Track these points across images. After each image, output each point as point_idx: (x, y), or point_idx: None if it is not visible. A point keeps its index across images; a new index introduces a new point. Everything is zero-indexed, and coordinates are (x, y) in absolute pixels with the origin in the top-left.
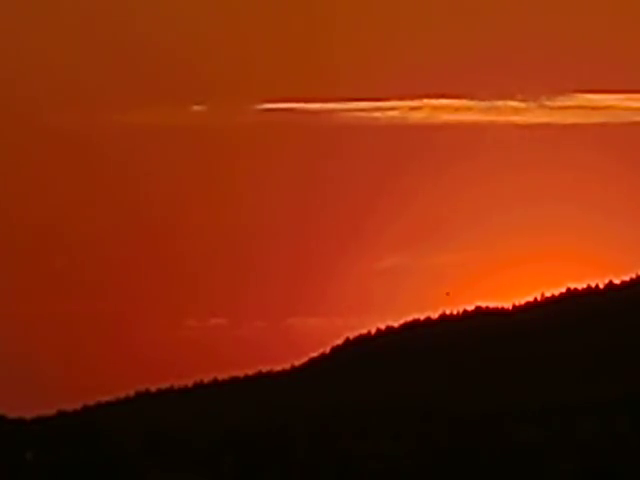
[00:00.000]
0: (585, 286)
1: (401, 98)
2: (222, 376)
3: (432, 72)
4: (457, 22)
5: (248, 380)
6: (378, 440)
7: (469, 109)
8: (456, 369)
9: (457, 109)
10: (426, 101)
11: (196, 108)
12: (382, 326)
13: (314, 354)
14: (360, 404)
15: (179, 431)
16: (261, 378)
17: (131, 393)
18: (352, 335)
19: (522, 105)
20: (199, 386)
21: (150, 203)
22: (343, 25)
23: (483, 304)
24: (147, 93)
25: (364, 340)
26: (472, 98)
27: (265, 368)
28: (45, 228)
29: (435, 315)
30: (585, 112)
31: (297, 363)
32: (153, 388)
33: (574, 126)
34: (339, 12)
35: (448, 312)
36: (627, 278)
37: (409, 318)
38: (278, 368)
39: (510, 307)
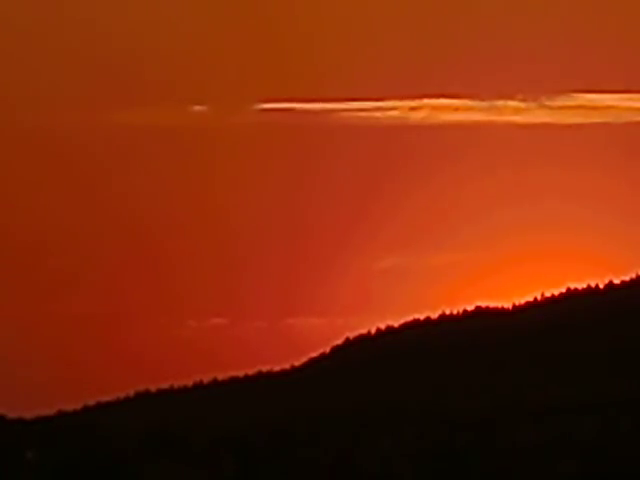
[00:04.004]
0: (585, 286)
1: (401, 98)
2: (222, 376)
3: (432, 72)
4: (457, 22)
5: (248, 380)
6: (377, 440)
7: (469, 109)
8: (456, 369)
9: (457, 109)
10: (426, 101)
11: (196, 108)
12: (382, 326)
13: (314, 354)
14: (360, 404)
15: (179, 431)
16: (261, 378)
17: (131, 393)
18: (352, 335)
19: (522, 105)
20: (199, 386)
21: (150, 203)
22: (343, 25)
23: (483, 304)
24: (147, 93)
25: (364, 340)
26: (472, 98)
27: (265, 368)
28: (45, 228)
29: (435, 315)
30: (585, 112)
31: (297, 363)
32: (153, 388)
33: (574, 126)
34: (339, 12)
35: (448, 312)
36: (627, 278)
37: (409, 318)
38: (278, 368)
39: (510, 307)
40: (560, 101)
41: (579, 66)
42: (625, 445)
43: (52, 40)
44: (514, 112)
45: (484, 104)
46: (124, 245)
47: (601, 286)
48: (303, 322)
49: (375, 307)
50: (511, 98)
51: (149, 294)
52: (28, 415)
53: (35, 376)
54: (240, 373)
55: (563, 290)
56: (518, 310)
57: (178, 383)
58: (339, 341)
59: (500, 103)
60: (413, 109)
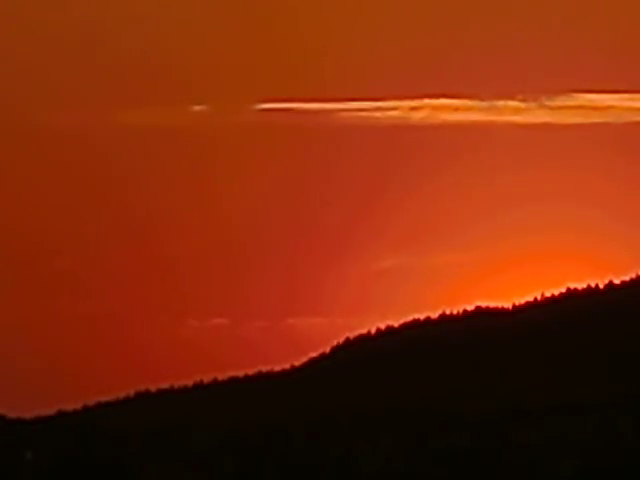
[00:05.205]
0: (585, 286)
1: (401, 98)
2: (222, 376)
3: (432, 72)
4: (457, 22)
5: (248, 380)
6: (378, 440)
7: (469, 109)
8: (456, 369)
9: (457, 109)
10: (426, 101)
11: (196, 108)
12: (382, 326)
13: (314, 354)
14: (360, 404)
15: (179, 431)
16: (261, 378)
17: (131, 393)
18: (352, 335)
19: (522, 105)
20: (199, 386)
21: (150, 203)
22: (343, 25)
23: (483, 304)
24: (147, 93)
25: (364, 340)
26: (472, 98)
27: (265, 368)
28: (46, 228)
29: (435, 315)
30: (585, 112)
31: (297, 363)
32: (153, 388)
33: (574, 126)
34: (339, 12)
35: (448, 312)
36: (627, 278)
37: (409, 318)
38: (278, 368)
39: (510, 307)
40: (560, 101)
41: (579, 66)
42: (625, 445)
43: (53, 41)
44: (514, 112)
45: (484, 104)
46: (124, 245)
47: (601, 286)
48: (304, 322)
49: (375, 307)
50: (511, 98)
51: (150, 294)
52: (28, 415)
53: (35, 376)
54: (240, 373)
55: (563, 290)
56: (518, 310)
57: (178, 383)
58: (339, 341)
59: (500, 103)
60: (413, 109)
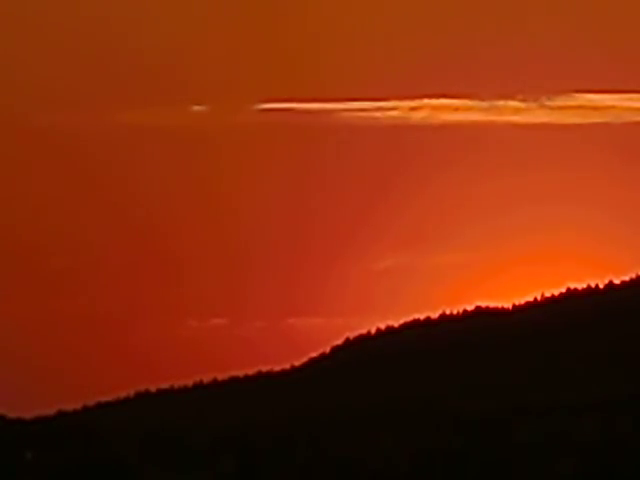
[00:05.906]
0: (585, 286)
1: (401, 98)
2: (222, 376)
3: (432, 72)
4: (457, 22)
5: (248, 380)
6: (378, 440)
7: (469, 109)
8: (456, 369)
9: (457, 109)
10: (426, 101)
11: (196, 108)
12: (382, 326)
13: (314, 354)
14: (360, 404)
15: (179, 431)
16: (261, 378)
17: (131, 393)
18: (352, 335)
19: (522, 105)
20: (199, 386)
21: (150, 203)
22: (343, 25)
23: (483, 304)
24: (147, 93)
25: (364, 340)
26: (472, 98)
27: (265, 368)
28: (45, 228)
29: (435, 315)
30: (585, 112)
31: (297, 363)
32: (153, 388)
33: (574, 126)
34: (339, 12)
35: (448, 312)
36: (627, 278)
37: (409, 318)
38: (278, 368)
39: (510, 307)
40: (560, 101)
41: (579, 66)
42: (625, 445)
43: (53, 40)
44: (514, 112)
45: (484, 104)
46: (124, 245)
47: (601, 286)
48: (303, 322)
49: (376, 307)
50: (511, 98)
51: (150, 294)
52: (28, 415)
53: (35, 376)
54: (240, 373)
55: (563, 290)
56: (518, 310)
57: (178, 383)
58: (339, 341)
59: (500, 103)
60: (413, 109)
